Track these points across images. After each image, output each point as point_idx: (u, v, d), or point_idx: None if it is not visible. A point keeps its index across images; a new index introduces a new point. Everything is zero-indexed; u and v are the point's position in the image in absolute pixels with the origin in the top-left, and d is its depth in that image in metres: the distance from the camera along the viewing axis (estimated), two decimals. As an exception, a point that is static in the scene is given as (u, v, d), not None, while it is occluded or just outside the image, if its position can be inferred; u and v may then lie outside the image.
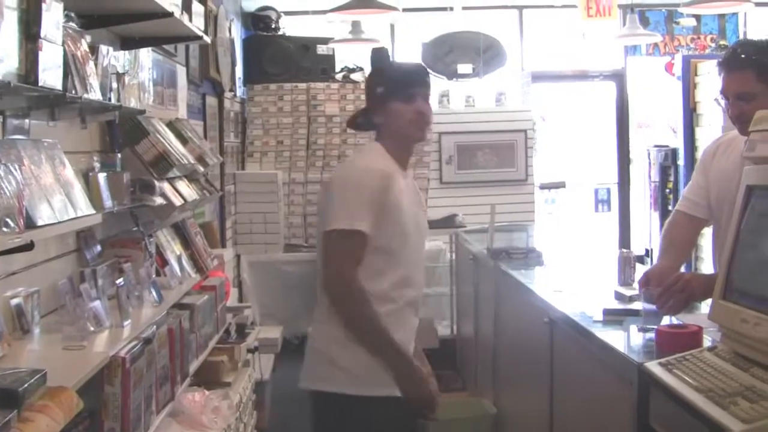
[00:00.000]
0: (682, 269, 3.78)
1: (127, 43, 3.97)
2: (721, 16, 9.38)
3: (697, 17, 9.26)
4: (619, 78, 9.52)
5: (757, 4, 7.54)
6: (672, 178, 8.66)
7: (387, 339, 2.99)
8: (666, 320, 3.08)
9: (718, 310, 2.51)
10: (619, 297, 3.71)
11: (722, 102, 3.33)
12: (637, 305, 3.44)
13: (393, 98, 3.11)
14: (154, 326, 3.25)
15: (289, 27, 9.20)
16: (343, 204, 2.98)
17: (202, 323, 4.21)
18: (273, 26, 9.03)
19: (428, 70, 3.51)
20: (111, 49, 3.37)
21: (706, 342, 2.71)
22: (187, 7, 4.03)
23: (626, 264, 3.96)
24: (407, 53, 9.57)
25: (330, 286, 3.07)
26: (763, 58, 3.27)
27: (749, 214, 2.46)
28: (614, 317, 3.26)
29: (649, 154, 9.04)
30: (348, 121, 3.37)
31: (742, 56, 3.31)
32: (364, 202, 2.97)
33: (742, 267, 2.45)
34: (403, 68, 3.62)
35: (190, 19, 4.10)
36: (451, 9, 8.89)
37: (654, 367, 2.53)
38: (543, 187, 9.57)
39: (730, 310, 2.41)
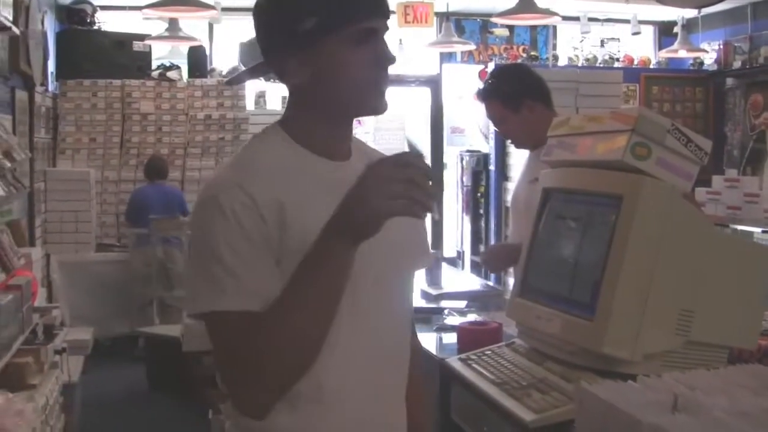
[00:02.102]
0: None
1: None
2: (533, 28, 9.73)
3: (511, 28, 9.57)
4: (434, 84, 9.74)
5: (564, 18, 7.91)
6: (483, 183, 8.92)
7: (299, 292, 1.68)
8: (468, 318, 3.21)
9: (515, 307, 2.63)
10: (426, 296, 3.83)
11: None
12: (444, 304, 3.58)
13: (329, 37, 1.75)
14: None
15: (105, 22, 8.99)
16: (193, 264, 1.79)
17: (6, 324, 4.07)
18: (88, 20, 8.81)
19: None
20: None
21: (506, 338, 2.83)
22: (-8, -3, 3.91)
23: (433, 265, 4.08)
24: (225, 53, 9.51)
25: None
26: (505, 88, 3.74)
27: (546, 215, 2.58)
28: (421, 315, 3.36)
29: (461, 159, 9.29)
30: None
31: (488, 86, 3.81)
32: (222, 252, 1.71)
33: (538, 266, 2.57)
34: None
35: (-3, 9, 3.98)
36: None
37: (454, 362, 2.63)
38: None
39: (526, 307, 2.53)
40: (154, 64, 9.10)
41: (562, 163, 2.59)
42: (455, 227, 9.53)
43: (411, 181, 1.53)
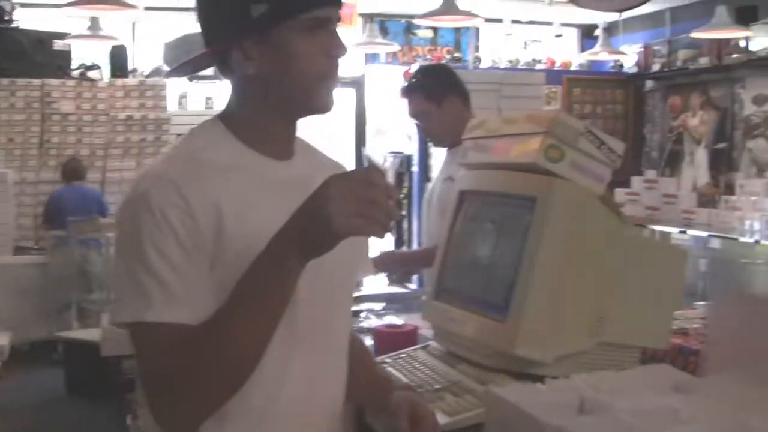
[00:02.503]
0: None
1: None
2: (457, 30, 9.79)
3: (435, 30, 9.61)
4: (358, 85, 9.73)
5: (488, 20, 7.96)
6: (407, 184, 8.95)
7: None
8: (385, 320, 3.20)
9: (430, 309, 2.62)
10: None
11: (413, 121, 3.94)
12: (362, 306, 3.56)
13: (281, 24, 1.63)
14: None
15: (24, 19, 8.82)
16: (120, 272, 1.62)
17: None
18: (6, 18, 8.63)
19: None
20: None
21: (423, 340, 2.82)
22: None
23: None
24: (148, 53, 9.39)
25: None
26: (429, 81, 3.87)
27: (461, 217, 2.58)
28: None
29: (385, 160, 9.30)
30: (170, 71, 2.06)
31: (413, 81, 3.92)
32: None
33: (453, 268, 2.57)
34: None
35: None
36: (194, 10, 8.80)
37: (370, 365, 2.61)
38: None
39: (441, 309, 2.53)
40: (75, 64, 8.95)
41: (477, 165, 2.59)
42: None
43: (375, 202, 1.43)
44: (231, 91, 1.76)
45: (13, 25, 8.68)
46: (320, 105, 1.71)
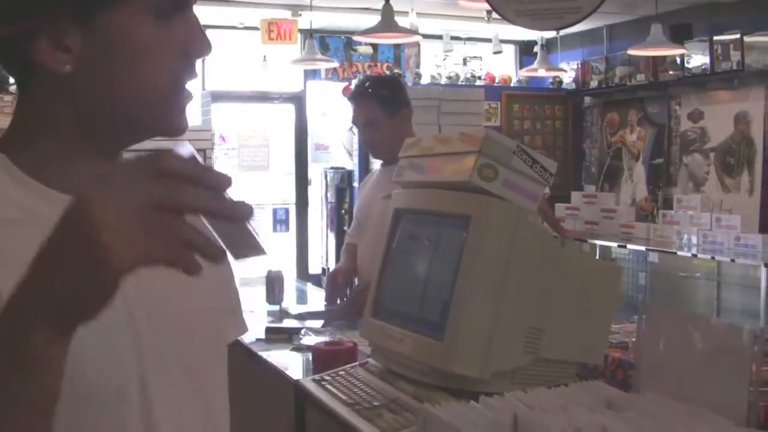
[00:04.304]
0: None
1: None
2: (397, 46, 9.82)
3: (375, 46, 9.65)
4: (298, 100, 9.73)
5: (427, 37, 8.03)
6: (347, 200, 8.97)
7: None
8: (325, 338, 3.21)
9: (368, 327, 2.64)
10: (285, 314, 3.83)
11: (355, 130, 3.89)
12: (302, 323, 3.57)
13: (119, 4, 1.11)
14: None
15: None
16: None
17: None
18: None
19: None
20: None
21: (362, 357, 2.84)
22: None
23: (275, 283, 4.07)
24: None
25: None
26: (384, 91, 3.85)
27: (397, 236, 2.60)
28: (279, 335, 3.34)
29: (326, 176, 9.31)
30: None
31: (368, 89, 3.88)
32: None
33: (390, 286, 2.59)
34: None
35: None
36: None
37: (308, 383, 2.63)
38: (221, 206, 9.54)
39: (379, 327, 2.54)
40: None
41: (413, 183, 2.61)
42: (320, 244, 9.53)
43: (178, 202, 0.86)
44: (22, 102, 1.19)
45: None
46: (169, 125, 1.17)
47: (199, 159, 0.90)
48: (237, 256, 0.93)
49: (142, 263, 0.85)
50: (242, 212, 0.90)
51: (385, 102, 3.81)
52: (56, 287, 0.85)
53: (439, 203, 2.43)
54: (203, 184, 0.87)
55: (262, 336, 3.34)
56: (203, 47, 1.15)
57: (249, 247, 0.93)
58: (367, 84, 3.92)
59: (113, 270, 0.84)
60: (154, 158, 0.87)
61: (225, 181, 0.89)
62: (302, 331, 3.38)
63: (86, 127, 1.14)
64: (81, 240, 0.84)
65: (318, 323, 3.58)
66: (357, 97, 3.91)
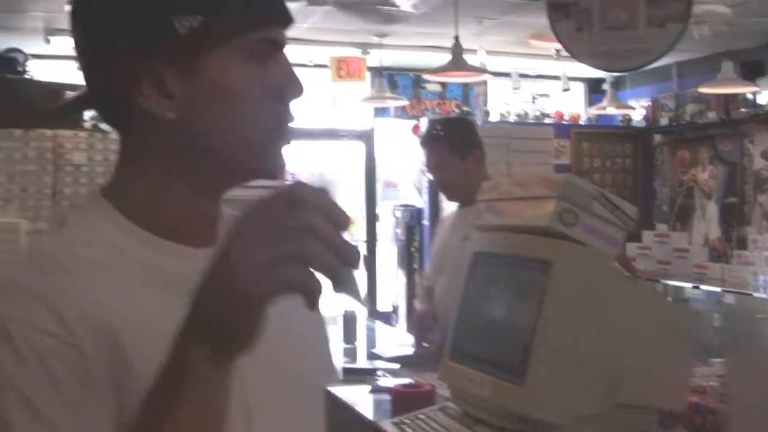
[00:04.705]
0: None
1: None
2: (465, 84, 9.86)
3: (443, 84, 9.69)
4: (367, 138, 9.80)
5: (495, 74, 8.04)
6: (417, 237, 8.99)
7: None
8: (402, 380, 3.21)
9: (446, 370, 2.63)
10: (351, 354, 3.86)
11: (429, 176, 3.95)
12: (378, 364, 3.58)
13: (216, 47, 1.15)
14: None
15: (38, 71, 8.93)
16: None
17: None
18: (19, 69, 8.74)
19: None
20: None
21: (441, 400, 2.84)
22: None
23: (350, 323, 4.09)
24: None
25: None
26: (455, 134, 3.92)
27: (475, 279, 2.60)
28: (355, 376, 3.36)
29: (395, 213, 9.34)
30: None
31: (438, 132, 3.95)
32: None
33: (468, 329, 2.59)
34: None
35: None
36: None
37: (387, 425, 2.62)
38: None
39: (457, 370, 2.54)
40: (88, 115, 9.04)
41: (491, 227, 2.62)
42: (390, 282, 9.54)
43: (303, 230, 0.88)
44: (123, 149, 1.21)
45: (26, 77, 8.79)
46: (267, 167, 1.19)
47: (331, 190, 0.94)
48: (336, 290, 0.96)
49: (270, 292, 0.91)
50: (354, 258, 0.94)
51: (455, 144, 3.85)
52: (209, 317, 0.93)
53: (518, 247, 2.43)
54: (330, 219, 0.91)
55: (339, 376, 3.35)
56: (296, 89, 1.19)
57: (350, 288, 0.97)
58: (438, 127, 3.97)
59: (241, 296, 0.90)
60: (291, 189, 0.92)
61: (347, 221, 0.93)
62: (378, 373, 3.39)
63: (186, 171, 1.17)
64: (217, 265, 0.92)
65: (394, 365, 3.59)
66: (427, 140, 3.95)
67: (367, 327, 4.89)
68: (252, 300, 0.91)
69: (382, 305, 9.62)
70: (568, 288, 2.23)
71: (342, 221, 0.92)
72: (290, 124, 1.20)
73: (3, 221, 8.18)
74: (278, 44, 1.17)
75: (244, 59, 1.14)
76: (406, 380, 3.21)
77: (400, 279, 9.26)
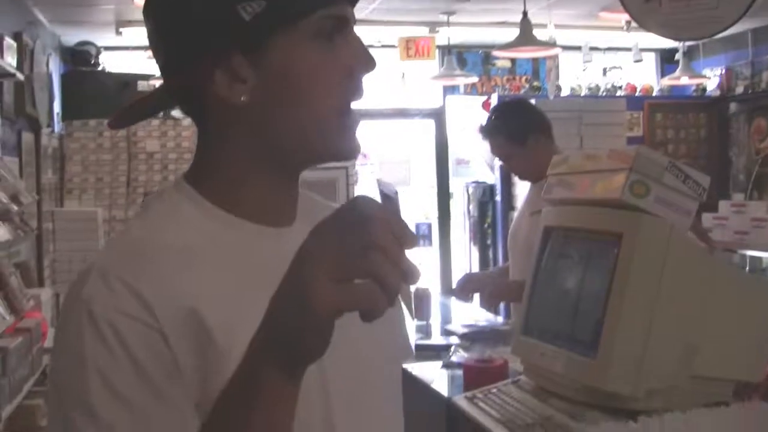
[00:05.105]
0: None
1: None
2: (535, 59, 9.78)
3: (512, 59, 9.62)
4: (438, 116, 9.78)
5: (566, 48, 7.96)
6: (490, 214, 8.97)
7: None
8: (475, 354, 3.22)
9: (519, 344, 2.65)
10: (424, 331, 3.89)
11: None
12: (451, 340, 3.60)
13: (281, 30, 1.15)
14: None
15: (109, 62, 9.09)
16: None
17: (16, 366, 4.11)
18: (92, 62, 8.90)
19: None
20: None
21: (513, 374, 2.85)
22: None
23: (423, 300, 4.12)
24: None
25: None
26: (510, 124, 3.84)
27: (547, 254, 2.60)
28: (428, 352, 3.38)
29: (467, 190, 9.32)
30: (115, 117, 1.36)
31: (493, 122, 3.90)
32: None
33: (541, 304, 2.59)
34: None
35: (1, 56, 4.04)
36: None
37: (461, 400, 2.65)
38: (365, 222, 9.59)
39: (530, 344, 2.55)
40: (159, 103, 9.17)
41: (562, 201, 2.62)
42: (464, 258, 9.54)
43: (372, 249, 0.88)
44: (202, 137, 1.25)
45: (99, 69, 8.94)
46: (342, 148, 1.20)
47: (396, 201, 0.93)
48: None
49: (340, 309, 0.89)
50: (416, 277, 0.91)
51: (512, 134, 3.82)
52: (281, 331, 0.92)
53: (590, 221, 2.43)
54: (397, 236, 0.89)
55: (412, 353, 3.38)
56: (368, 64, 1.17)
57: (406, 303, 0.97)
58: (493, 118, 3.94)
59: (311, 314, 0.88)
60: (359, 205, 0.91)
61: (413, 240, 0.91)
62: (451, 348, 3.41)
63: (263, 153, 1.19)
64: (291, 281, 0.91)
65: (465, 341, 3.61)
66: (485, 132, 3.95)
67: (441, 303, 4.90)
68: (325, 319, 0.90)
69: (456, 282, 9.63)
70: (639, 260, 2.23)
71: (408, 239, 0.90)
72: (360, 100, 1.19)
73: (81, 210, 8.37)
74: (345, 20, 1.16)
75: (311, 39, 1.14)
76: (479, 355, 3.23)
77: (473, 255, 9.26)
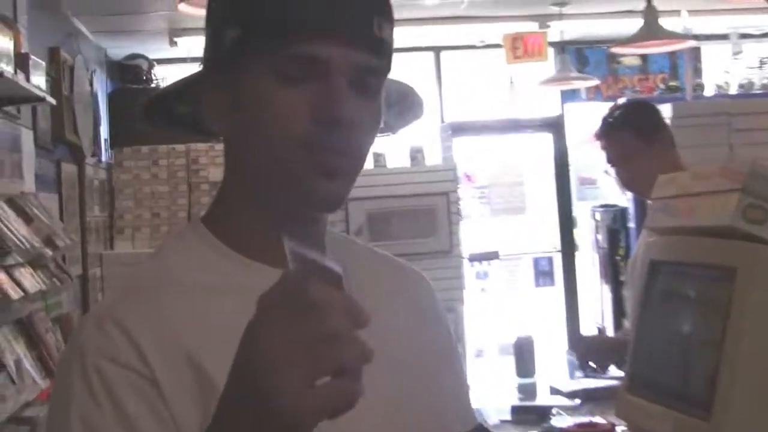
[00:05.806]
0: None
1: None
2: (672, 53, 9.68)
3: (643, 56, 9.54)
4: (556, 128, 9.75)
5: (708, 38, 7.85)
6: (623, 243, 8.84)
7: None
8: (579, 419, 3.22)
9: (624, 404, 2.63)
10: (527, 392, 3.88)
11: (611, 172, 3.88)
12: (556, 400, 3.59)
13: (252, 59, 1.30)
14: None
15: (164, 78, 9.21)
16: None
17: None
18: (144, 77, 9.01)
19: None
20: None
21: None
22: (22, 64, 4.10)
23: (524, 351, 4.10)
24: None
25: None
26: (637, 116, 3.96)
27: (653, 293, 2.59)
28: (524, 416, 3.38)
29: (594, 216, 9.24)
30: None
31: (619, 119, 3.97)
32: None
33: (647, 355, 2.58)
34: None
35: (28, 78, 4.17)
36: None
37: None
38: (472, 258, 9.60)
39: (635, 405, 2.53)
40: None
41: (666, 230, 2.60)
42: (594, 298, 9.44)
43: (336, 337, 0.91)
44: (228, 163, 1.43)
45: (152, 86, 9.05)
46: (305, 197, 1.29)
47: (341, 272, 0.96)
48: None
49: (323, 416, 0.92)
50: (369, 358, 0.94)
51: (641, 129, 3.85)
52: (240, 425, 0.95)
53: (697, 253, 2.41)
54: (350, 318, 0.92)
55: (508, 417, 3.39)
56: (328, 114, 1.25)
57: None
58: (616, 113, 3.97)
59: (286, 420, 0.91)
60: (305, 286, 0.93)
61: (366, 319, 0.93)
62: (553, 410, 3.40)
63: (246, 194, 1.35)
64: (256, 404, 0.92)
65: (572, 402, 3.60)
66: (607, 131, 3.98)
67: (567, 361, 4.80)
68: (296, 428, 0.92)
69: (585, 327, 9.52)
70: (757, 300, 2.19)
71: (361, 319, 0.93)
72: (337, 154, 1.27)
73: (134, 252, 8.45)
74: (317, 61, 1.25)
75: (277, 74, 1.26)
76: (584, 419, 3.22)
77: (605, 295, 9.15)
